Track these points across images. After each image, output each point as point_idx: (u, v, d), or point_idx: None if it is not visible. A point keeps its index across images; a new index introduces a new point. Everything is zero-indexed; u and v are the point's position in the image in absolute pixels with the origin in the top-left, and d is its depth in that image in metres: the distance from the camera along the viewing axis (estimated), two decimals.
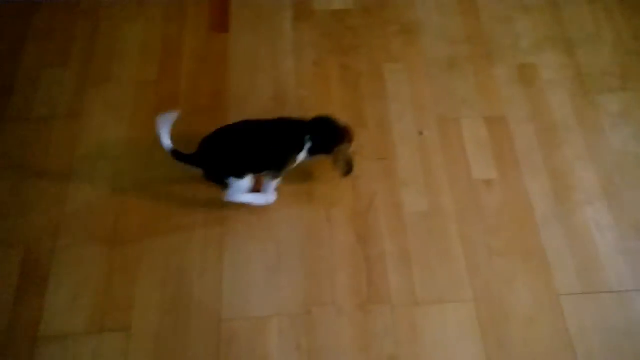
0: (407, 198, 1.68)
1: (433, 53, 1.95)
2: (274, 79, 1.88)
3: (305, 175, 1.70)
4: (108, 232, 1.59)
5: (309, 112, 1.62)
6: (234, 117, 1.75)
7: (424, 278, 1.55)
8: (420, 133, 1.77)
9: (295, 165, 1.58)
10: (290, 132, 1.54)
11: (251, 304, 1.51)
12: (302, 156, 1.56)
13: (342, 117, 1.62)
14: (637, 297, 1.51)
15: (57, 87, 1.83)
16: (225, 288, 1.53)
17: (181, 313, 1.49)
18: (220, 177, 1.52)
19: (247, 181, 1.53)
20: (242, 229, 1.62)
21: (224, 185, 1.53)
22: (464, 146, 1.77)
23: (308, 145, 1.54)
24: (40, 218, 1.61)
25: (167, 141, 1.45)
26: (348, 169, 1.59)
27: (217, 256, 1.57)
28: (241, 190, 1.54)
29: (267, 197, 1.62)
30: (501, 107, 1.84)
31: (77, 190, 1.66)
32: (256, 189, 1.61)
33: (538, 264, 1.56)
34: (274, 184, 1.60)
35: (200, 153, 1.49)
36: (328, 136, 1.56)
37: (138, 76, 1.87)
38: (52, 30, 1.96)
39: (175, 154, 1.47)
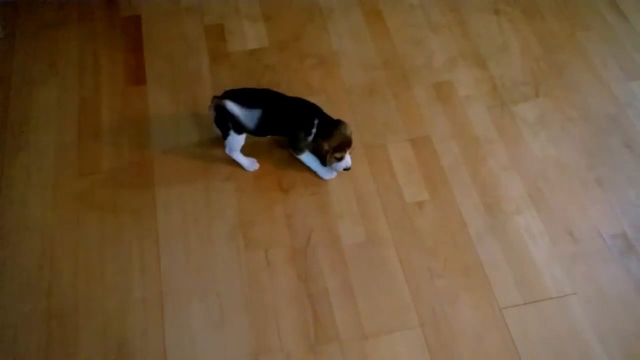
0: (343, 230, 1.67)
1: (352, 81, 1.98)
2: (197, 124, 1.84)
3: (242, 216, 1.67)
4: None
5: None
6: (159, 167, 1.72)
7: (369, 309, 1.54)
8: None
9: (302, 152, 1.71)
10: (302, 110, 1.68)
11: None
12: (309, 138, 1.67)
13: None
14: (575, 300, 1.55)
15: None
16: (169, 348, 1.46)
17: None
18: (225, 126, 1.64)
19: (241, 139, 1.67)
20: (182, 285, 1.56)
21: (225, 135, 1.66)
22: (393, 170, 1.78)
23: (314, 130, 1.65)
24: None
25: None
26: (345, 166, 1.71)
27: (157, 316, 1.51)
28: (235, 145, 1.68)
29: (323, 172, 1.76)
30: (424, 127, 1.88)
31: None
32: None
33: (478, 280, 1.58)
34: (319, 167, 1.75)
35: (220, 97, 1.62)
36: (331, 126, 1.66)
37: (56, 139, 1.79)
38: None
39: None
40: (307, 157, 1.74)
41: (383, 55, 2.05)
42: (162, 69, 1.97)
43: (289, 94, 1.91)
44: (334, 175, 1.75)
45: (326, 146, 1.65)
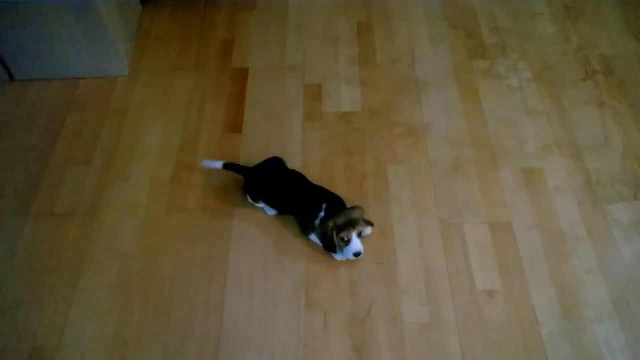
0: (406, 307, 1.64)
1: (437, 155, 1.98)
2: None
3: (308, 274, 1.69)
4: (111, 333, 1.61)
5: None
6: (239, 215, 1.80)
7: None
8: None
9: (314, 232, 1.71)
10: (314, 196, 1.72)
11: None
12: (317, 221, 1.67)
13: None
14: None
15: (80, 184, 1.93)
16: None
17: None
18: (251, 193, 1.80)
19: (260, 204, 1.82)
20: (241, 332, 1.60)
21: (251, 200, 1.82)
22: (466, 253, 1.74)
23: (322, 214, 1.66)
24: (47, 315, 1.64)
25: (217, 163, 1.82)
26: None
27: (212, 358, 1.56)
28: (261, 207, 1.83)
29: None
30: (505, 212, 1.82)
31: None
32: None
33: None
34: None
35: (251, 170, 1.80)
36: (339, 208, 1.66)
37: (154, 173, 1.95)
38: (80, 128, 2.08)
39: (228, 165, 1.82)
40: (315, 238, 1.74)
41: (473, 134, 2.03)
42: (258, 121, 2.09)
43: (374, 159, 1.96)
44: (344, 256, 1.70)
45: (331, 224, 1.61)
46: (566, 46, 2.32)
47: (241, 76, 2.24)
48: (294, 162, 1.95)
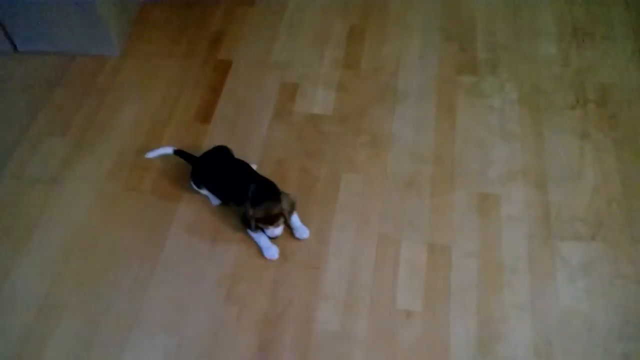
0: (321, 313, 1.63)
1: (395, 169, 1.94)
2: None
3: (236, 268, 1.72)
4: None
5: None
6: (186, 200, 1.86)
7: None
8: None
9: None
10: (242, 177, 1.74)
11: None
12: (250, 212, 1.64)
13: None
14: None
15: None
16: None
17: None
18: (194, 179, 1.84)
19: (204, 192, 1.85)
20: (156, 315, 1.66)
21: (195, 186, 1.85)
22: (396, 270, 1.70)
23: (250, 195, 1.66)
24: None
25: (167, 150, 1.89)
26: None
27: (118, 341, 1.62)
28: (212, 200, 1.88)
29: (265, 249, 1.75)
30: (449, 235, 1.76)
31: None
32: None
33: None
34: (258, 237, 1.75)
35: (198, 158, 1.86)
36: (267, 194, 1.66)
37: (119, 151, 2.04)
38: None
39: (178, 152, 1.89)
40: (253, 232, 1.75)
41: (438, 151, 1.97)
42: (229, 114, 2.13)
43: (331, 165, 1.95)
44: (275, 256, 1.73)
45: (250, 212, 1.63)
46: (563, 70, 2.19)
47: (224, 68, 2.29)
48: (252, 158, 1.96)
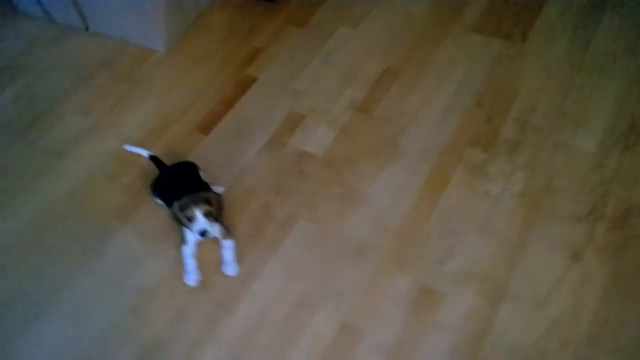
0: (205, 357, 1.63)
1: (352, 231, 1.84)
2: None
3: (152, 284, 1.80)
4: None
5: None
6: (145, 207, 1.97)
7: None
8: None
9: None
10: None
11: None
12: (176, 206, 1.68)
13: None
14: None
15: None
16: None
17: None
18: (152, 187, 1.95)
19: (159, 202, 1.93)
20: (64, 302, 1.80)
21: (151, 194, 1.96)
22: (298, 339, 1.63)
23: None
24: None
25: (142, 151, 2.04)
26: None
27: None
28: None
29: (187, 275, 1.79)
30: (367, 320, 1.64)
31: None
32: None
33: None
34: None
35: (164, 167, 1.97)
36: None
37: (118, 143, 2.16)
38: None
39: (153, 157, 2.01)
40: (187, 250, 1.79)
41: (405, 226, 1.82)
42: (228, 130, 2.17)
43: (293, 208, 1.91)
44: (191, 283, 1.75)
45: (177, 204, 1.66)
46: (591, 173, 1.86)
47: (246, 84, 2.33)
48: (224, 180, 2.00)
